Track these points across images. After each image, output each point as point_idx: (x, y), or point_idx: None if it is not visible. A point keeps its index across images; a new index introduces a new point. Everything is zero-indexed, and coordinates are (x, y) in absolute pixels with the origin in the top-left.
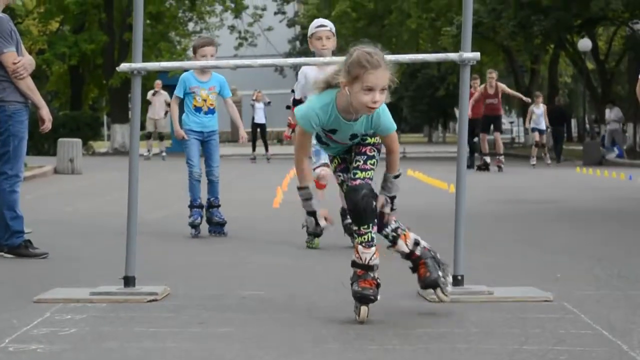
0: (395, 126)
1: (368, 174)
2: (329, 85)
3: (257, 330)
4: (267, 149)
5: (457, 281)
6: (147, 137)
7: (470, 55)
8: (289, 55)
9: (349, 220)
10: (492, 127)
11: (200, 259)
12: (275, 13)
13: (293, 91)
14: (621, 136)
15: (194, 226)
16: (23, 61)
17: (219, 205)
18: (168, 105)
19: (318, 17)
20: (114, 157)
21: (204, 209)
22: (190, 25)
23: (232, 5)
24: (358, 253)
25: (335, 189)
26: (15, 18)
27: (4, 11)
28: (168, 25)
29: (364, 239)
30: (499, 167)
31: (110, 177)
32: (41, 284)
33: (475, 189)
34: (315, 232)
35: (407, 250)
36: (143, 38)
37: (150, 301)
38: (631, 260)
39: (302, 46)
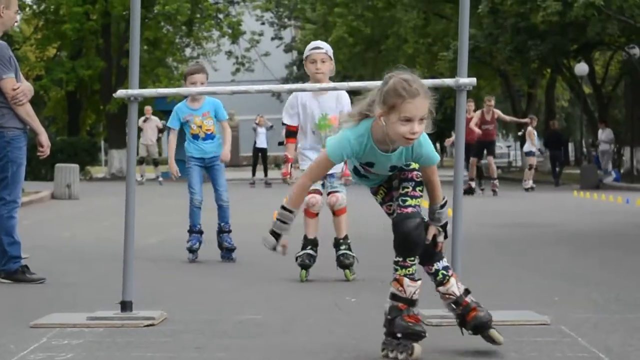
0: (438, 157)
1: (418, 202)
2: (363, 115)
3: (254, 355)
4: (266, 174)
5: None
6: (140, 162)
7: (467, 80)
8: (286, 80)
9: (342, 252)
10: (485, 151)
11: (197, 283)
12: (272, 38)
13: (284, 124)
14: (610, 157)
15: (192, 251)
16: (22, 87)
17: (229, 231)
18: (160, 130)
19: None
20: (111, 182)
21: (216, 234)
22: (188, 51)
23: (229, 31)
24: (402, 286)
25: (326, 219)
26: (13, 44)
27: (2, 38)
28: (165, 51)
29: (409, 271)
30: (494, 192)
31: (108, 203)
32: (38, 309)
33: (472, 213)
34: (304, 264)
35: (457, 293)
36: (140, 64)
37: (147, 326)
38: (629, 284)
39: (299, 71)
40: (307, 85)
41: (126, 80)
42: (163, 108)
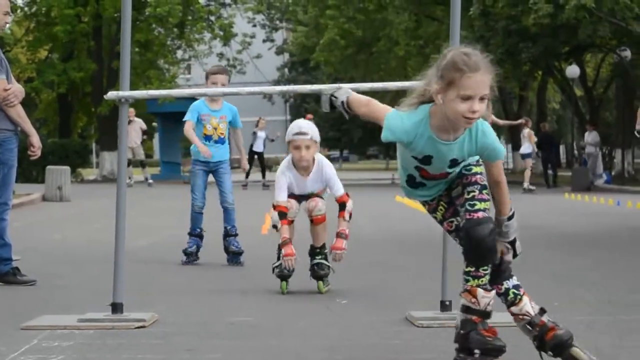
0: (504, 150)
1: (487, 205)
2: (422, 100)
3: (245, 356)
4: (264, 175)
5: (445, 306)
6: (127, 164)
7: None
8: (277, 82)
9: (317, 261)
10: None
11: (188, 286)
12: (264, 41)
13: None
14: (596, 159)
15: (187, 254)
16: (13, 89)
17: (236, 234)
18: (144, 132)
19: (306, 45)
20: (102, 185)
21: (223, 238)
22: (179, 53)
23: (221, 33)
24: (475, 297)
25: (303, 225)
26: (4, 46)
27: None
28: (157, 53)
29: (482, 281)
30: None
31: (99, 205)
32: (29, 311)
33: None
34: (282, 275)
35: (532, 313)
36: (131, 66)
37: (138, 328)
38: (621, 285)
39: (291, 74)
40: (297, 87)
41: (117, 82)
42: (154, 110)
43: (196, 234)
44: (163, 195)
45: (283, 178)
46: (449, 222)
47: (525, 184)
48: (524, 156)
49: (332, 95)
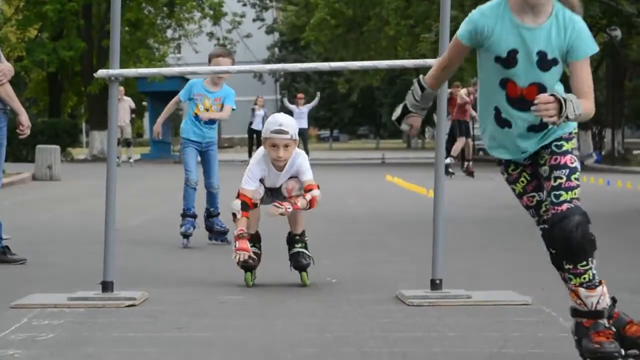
0: (596, 45)
1: (575, 194)
2: None
3: (235, 335)
4: None
5: (436, 285)
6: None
7: None
8: (267, 61)
9: (297, 250)
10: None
11: (178, 265)
12: (254, 20)
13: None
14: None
15: (186, 236)
16: (2, 67)
17: (218, 214)
18: (132, 111)
19: (296, 25)
20: (92, 164)
21: (204, 219)
22: (169, 32)
23: (211, 12)
24: (580, 298)
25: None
26: None
27: None
28: (147, 32)
29: (585, 279)
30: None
31: (89, 184)
32: (19, 289)
33: (455, 194)
34: (246, 265)
35: (607, 303)
36: (121, 45)
37: (128, 306)
38: (609, 264)
39: (281, 53)
40: (288, 65)
41: (107, 61)
42: (144, 89)
43: (190, 214)
44: (153, 174)
45: (258, 168)
46: (529, 196)
47: None
48: None
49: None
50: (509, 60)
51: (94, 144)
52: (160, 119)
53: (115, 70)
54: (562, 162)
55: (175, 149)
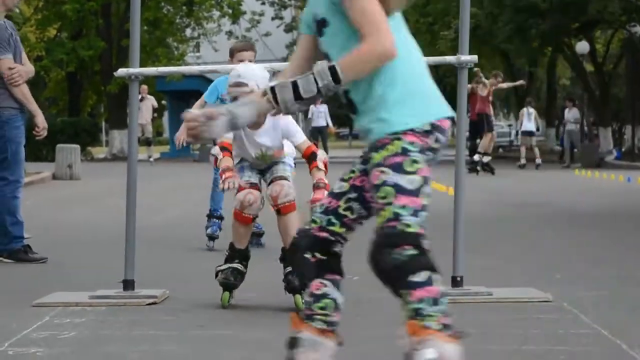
0: None
1: (388, 213)
2: None
3: (256, 332)
4: None
5: (456, 282)
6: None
7: (468, 58)
8: (286, 60)
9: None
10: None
11: (198, 262)
12: (273, 18)
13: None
14: (578, 137)
15: (212, 238)
16: (18, 68)
17: (256, 216)
18: (154, 109)
19: None
20: (112, 163)
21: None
22: (188, 31)
23: (230, 11)
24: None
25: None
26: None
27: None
28: (165, 31)
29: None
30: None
31: (109, 183)
32: (40, 288)
33: (474, 191)
34: (227, 282)
35: None
36: (140, 44)
37: (149, 304)
38: (630, 261)
39: None
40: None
41: (126, 60)
42: (163, 88)
43: (217, 216)
44: (173, 173)
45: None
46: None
47: (538, 160)
48: (530, 134)
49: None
50: (318, 32)
51: (113, 143)
52: (184, 127)
53: (135, 69)
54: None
55: (194, 148)
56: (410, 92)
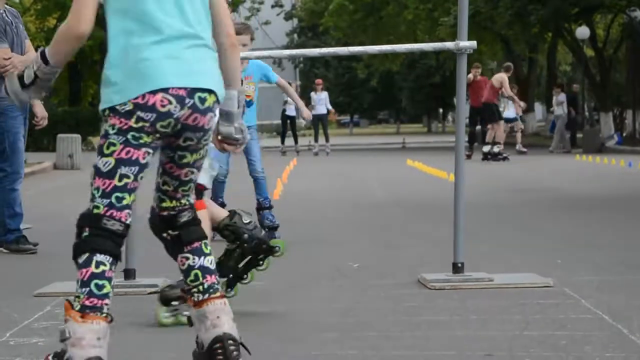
0: None
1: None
2: None
3: (257, 321)
4: (296, 141)
5: (457, 268)
6: None
7: (467, 43)
8: (286, 47)
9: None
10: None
11: None
12: (273, 6)
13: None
14: (564, 121)
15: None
16: (13, 58)
17: (270, 207)
18: None
19: (315, 11)
20: None
21: (255, 212)
22: None
23: (229, 0)
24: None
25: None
26: None
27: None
28: None
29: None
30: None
31: None
32: (41, 278)
33: (474, 178)
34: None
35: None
36: None
37: (150, 293)
38: (632, 246)
39: (300, 39)
40: (307, 50)
41: None
42: None
43: (219, 204)
44: None
45: None
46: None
47: (518, 146)
48: (511, 120)
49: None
50: None
51: None
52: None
53: None
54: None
55: None
56: (122, 73)
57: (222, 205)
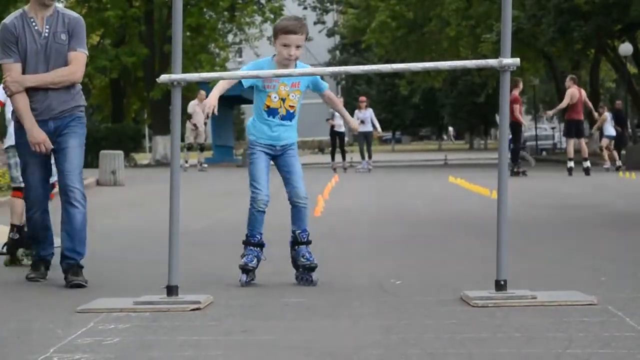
0: None
1: None
2: None
3: (300, 337)
4: (344, 158)
5: (500, 286)
6: (188, 148)
7: (510, 61)
8: (329, 64)
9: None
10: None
11: None
12: (315, 23)
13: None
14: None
15: (246, 271)
16: (14, 77)
17: (308, 242)
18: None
19: (357, 28)
20: (156, 169)
21: (290, 246)
22: (230, 37)
23: (272, 16)
24: None
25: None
26: None
27: None
28: (208, 37)
29: None
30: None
31: (152, 189)
32: (85, 294)
33: (517, 195)
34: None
35: None
36: (183, 50)
37: (193, 310)
38: None
39: (342, 55)
40: (349, 67)
41: (169, 66)
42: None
43: (256, 243)
44: (217, 178)
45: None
46: None
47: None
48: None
49: None
50: None
51: (157, 149)
52: (215, 92)
53: (177, 75)
54: None
55: (237, 153)
56: None
57: (261, 244)
